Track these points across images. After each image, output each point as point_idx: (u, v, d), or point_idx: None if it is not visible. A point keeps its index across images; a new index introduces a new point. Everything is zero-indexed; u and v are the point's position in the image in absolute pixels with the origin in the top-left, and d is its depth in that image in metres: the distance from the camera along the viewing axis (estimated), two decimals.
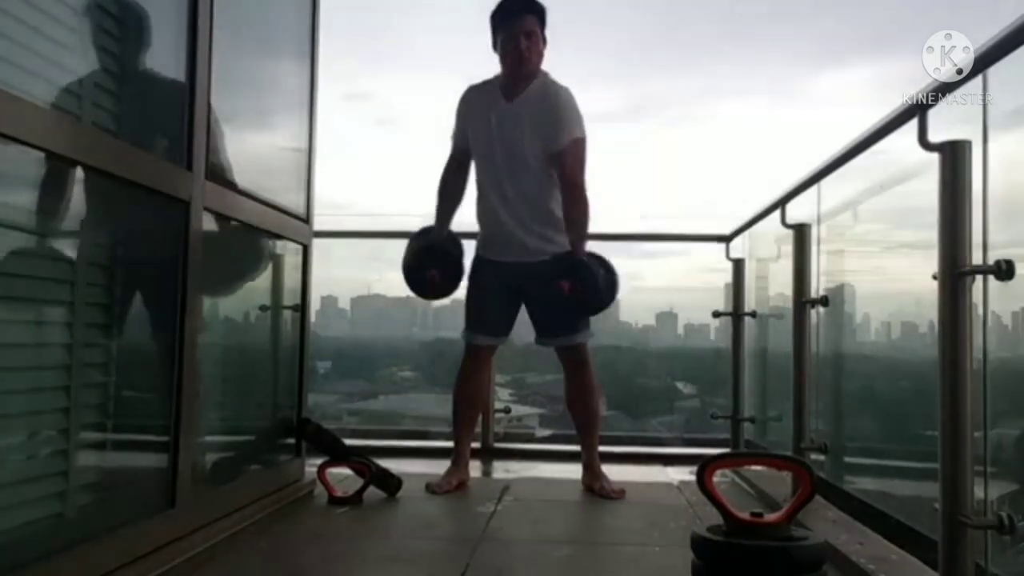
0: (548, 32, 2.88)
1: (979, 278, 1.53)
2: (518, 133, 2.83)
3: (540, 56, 2.86)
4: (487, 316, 2.96)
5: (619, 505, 2.73)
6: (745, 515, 1.57)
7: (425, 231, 3.05)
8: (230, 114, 2.22)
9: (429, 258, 2.97)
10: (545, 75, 2.88)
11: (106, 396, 1.79)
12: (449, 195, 3.00)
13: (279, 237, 2.66)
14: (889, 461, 2.65)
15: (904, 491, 2.42)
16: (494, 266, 2.94)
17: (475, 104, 2.94)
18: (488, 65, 2.95)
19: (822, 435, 2.52)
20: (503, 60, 2.87)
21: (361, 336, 5.73)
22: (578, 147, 2.82)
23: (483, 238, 2.99)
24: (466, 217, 3.06)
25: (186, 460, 1.95)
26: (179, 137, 1.97)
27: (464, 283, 3.01)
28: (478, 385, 3.07)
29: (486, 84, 2.95)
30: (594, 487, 2.87)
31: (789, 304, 2.64)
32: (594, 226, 2.98)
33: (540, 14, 2.84)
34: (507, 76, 2.88)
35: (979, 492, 1.54)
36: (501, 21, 2.85)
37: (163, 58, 1.98)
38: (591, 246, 2.94)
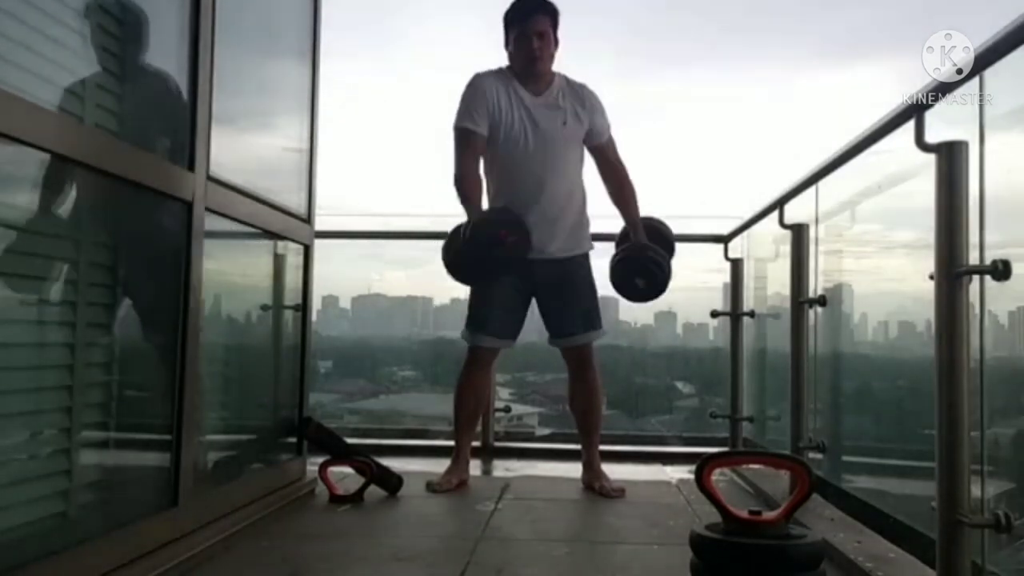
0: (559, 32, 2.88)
1: (976, 278, 1.54)
2: (558, 126, 2.83)
3: (552, 57, 2.87)
4: (498, 318, 2.89)
5: (618, 503, 2.74)
6: (743, 513, 1.58)
7: (460, 227, 2.77)
8: (232, 115, 2.23)
9: (498, 222, 2.74)
10: (564, 74, 2.90)
11: (108, 395, 1.80)
12: (475, 182, 2.83)
13: (281, 238, 2.67)
14: (887, 460, 2.66)
15: (902, 490, 2.43)
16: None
17: (498, 92, 2.82)
18: (489, 66, 2.95)
19: (820, 434, 2.53)
20: (514, 59, 2.87)
21: (362, 335, 5.74)
22: (612, 138, 2.97)
23: None
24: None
25: (188, 459, 1.95)
26: (181, 137, 1.98)
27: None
28: (480, 386, 3.05)
29: (499, 75, 2.87)
30: (594, 486, 2.87)
31: (787, 304, 2.65)
32: (593, 226, 3.00)
33: (553, 15, 2.85)
34: (520, 74, 2.87)
35: (976, 491, 1.54)
36: (514, 20, 2.85)
37: (165, 58, 1.99)
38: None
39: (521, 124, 2.82)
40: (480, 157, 2.86)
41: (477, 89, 2.83)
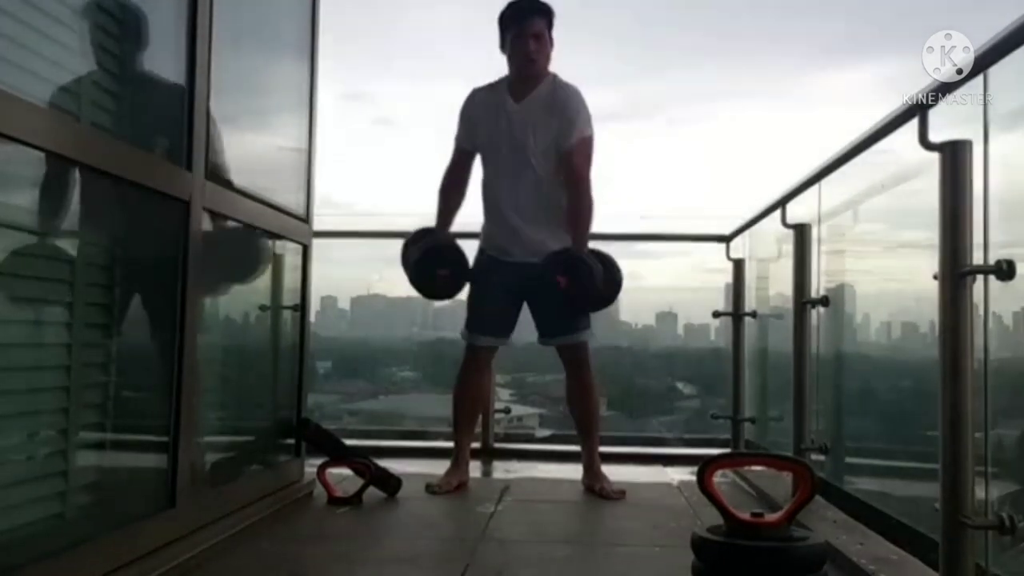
0: (554, 32, 2.89)
1: (980, 278, 1.53)
2: (528, 133, 2.84)
3: (548, 58, 2.88)
4: (490, 317, 2.95)
5: (619, 505, 2.73)
6: (745, 515, 1.57)
7: (425, 231, 3.04)
8: (230, 114, 2.22)
9: (438, 257, 2.95)
10: (554, 76, 2.90)
11: (106, 396, 1.79)
12: (451, 196, 3.00)
13: (279, 237, 2.66)
14: (890, 461, 2.65)
15: (905, 491, 2.42)
16: (500, 265, 2.92)
17: (483, 105, 2.93)
18: (488, 67, 2.96)
19: (822, 435, 2.52)
20: (510, 61, 2.89)
21: (361, 336, 5.73)
22: (586, 145, 2.87)
23: (489, 237, 2.98)
24: (466, 217, 3.05)
25: (186, 460, 1.94)
26: (178, 137, 1.97)
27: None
28: (479, 386, 3.07)
29: (492, 86, 2.95)
30: (594, 487, 2.87)
31: (789, 304, 2.64)
32: (595, 226, 2.99)
33: (548, 16, 2.86)
34: (514, 77, 2.90)
35: (980, 492, 1.53)
36: (510, 22, 2.86)
37: (162, 58, 1.98)
38: (595, 245, 2.98)
39: (501, 133, 2.87)
40: (467, 171, 2.99)
41: (465, 106, 2.97)
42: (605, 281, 2.85)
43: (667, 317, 5.34)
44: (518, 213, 2.88)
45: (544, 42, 2.85)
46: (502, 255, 2.92)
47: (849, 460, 2.72)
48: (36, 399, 1.58)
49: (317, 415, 3.16)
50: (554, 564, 2.07)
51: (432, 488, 2.83)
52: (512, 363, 4.40)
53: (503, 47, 2.89)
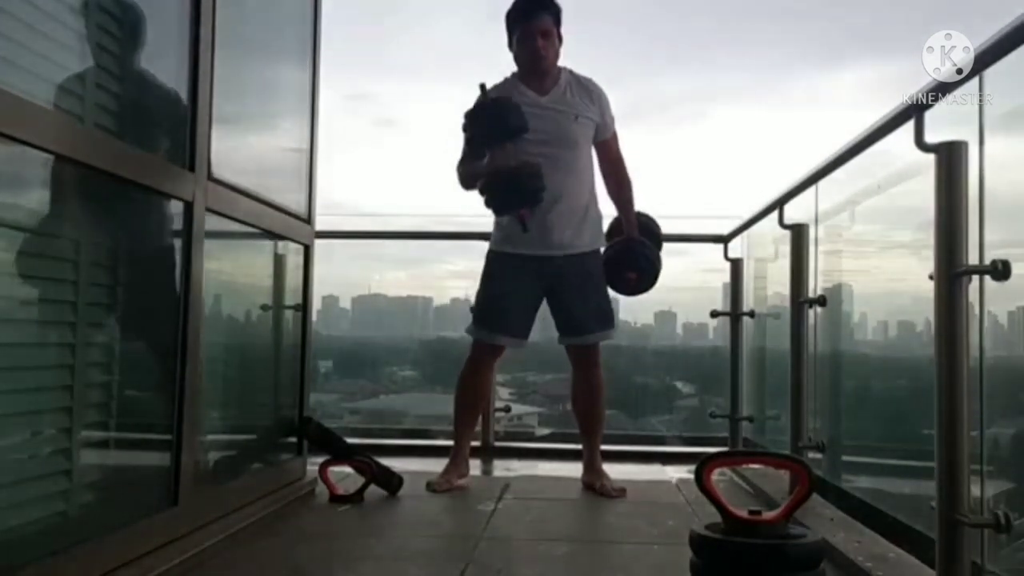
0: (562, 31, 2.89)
1: (975, 278, 1.54)
2: (564, 124, 2.83)
3: (556, 54, 2.87)
4: (512, 316, 2.88)
5: (618, 503, 2.74)
6: (743, 513, 1.58)
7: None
8: (232, 115, 2.23)
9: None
10: (570, 69, 2.90)
11: (109, 395, 1.80)
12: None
13: (281, 237, 2.68)
14: (886, 460, 2.66)
15: (902, 489, 2.43)
16: (523, 260, 2.86)
17: None
18: (489, 66, 2.96)
19: (819, 434, 2.53)
20: (518, 58, 2.88)
21: (362, 335, 5.75)
22: (616, 134, 2.97)
23: (509, 232, 2.87)
24: (470, 218, 3.04)
25: (188, 459, 1.96)
26: (181, 138, 1.98)
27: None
28: (481, 384, 3.06)
29: (505, 83, 2.89)
30: (594, 485, 2.87)
31: (787, 304, 2.66)
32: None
33: (556, 13, 2.85)
34: (525, 74, 2.88)
35: (976, 490, 1.54)
36: (517, 20, 2.85)
37: (165, 59, 1.99)
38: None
39: (534, 127, 2.77)
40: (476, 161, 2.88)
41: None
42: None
43: (666, 316, 5.35)
44: (555, 207, 2.79)
45: (552, 38, 2.84)
46: (526, 250, 2.83)
47: (846, 458, 2.74)
48: (40, 398, 1.59)
49: (319, 414, 3.17)
50: (554, 562, 2.08)
51: (433, 486, 2.83)
52: (512, 363, 4.41)
53: (511, 46, 2.89)
